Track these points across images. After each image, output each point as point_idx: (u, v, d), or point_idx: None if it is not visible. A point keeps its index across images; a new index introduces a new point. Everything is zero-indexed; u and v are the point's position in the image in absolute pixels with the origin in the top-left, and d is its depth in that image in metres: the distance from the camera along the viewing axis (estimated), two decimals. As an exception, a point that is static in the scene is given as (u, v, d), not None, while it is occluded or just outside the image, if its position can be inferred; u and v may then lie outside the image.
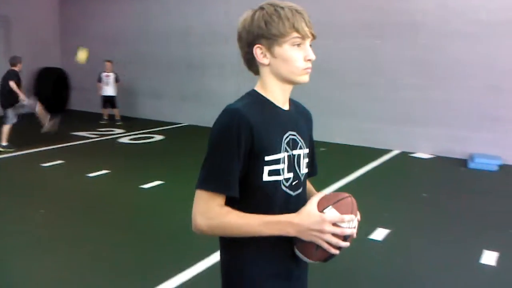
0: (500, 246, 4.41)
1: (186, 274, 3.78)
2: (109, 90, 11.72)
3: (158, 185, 6.29)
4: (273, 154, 1.49)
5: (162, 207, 5.56)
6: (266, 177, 1.48)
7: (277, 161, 1.50)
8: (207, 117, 10.93)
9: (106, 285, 3.70)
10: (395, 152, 8.62)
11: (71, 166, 7.44)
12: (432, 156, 8.35)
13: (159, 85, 12.22)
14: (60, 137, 9.46)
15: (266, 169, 1.48)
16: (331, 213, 1.43)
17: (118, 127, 11.24)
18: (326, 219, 1.40)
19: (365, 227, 4.04)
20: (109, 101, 11.85)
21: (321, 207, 1.44)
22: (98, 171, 6.96)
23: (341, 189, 5.91)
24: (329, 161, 7.17)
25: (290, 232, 1.43)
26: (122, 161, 7.89)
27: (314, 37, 1.52)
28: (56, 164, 7.46)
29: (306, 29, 1.48)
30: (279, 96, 1.57)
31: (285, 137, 1.54)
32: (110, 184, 6.52)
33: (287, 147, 1.54)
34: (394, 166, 7.83)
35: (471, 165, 7.55)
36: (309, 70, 1.53)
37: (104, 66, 11.69)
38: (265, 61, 1.52)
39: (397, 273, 3.95)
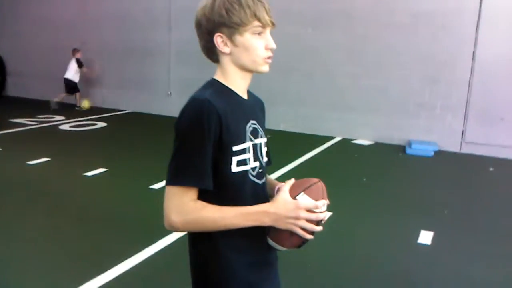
0: (436, 226, 4.68)
1: (129, 262, 3.75)
2: (69, 74, 11.45)
3: (102, 173, 6.18)
4: (240, 144, 1.48)
5: (106, 195, 5.46)
6: (234, 168, 1.47)
7: (243, 151, 1.49)
8: (152, 105, 10.92)
9: (44, 275, 3.62)
10: (337, 139, 8.85)
11: (10, 153, 7.17)
12: (372, 142, 8.64)
13: (100, 71, 11.89)
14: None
15: (234, 159, 1.47)
16: (304, 199, 1.44)
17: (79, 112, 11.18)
18: (301, 206, 1.42)
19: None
20: (66, 85, 11.57)
21: (293, 194, 1.46)
22: (38, 158, 6.75)
23: (284, 176, 6.03)
24: (273, 149, 7.26)
25: (266, 221, 1.43)
26: (64, 149, 7.67)
27: (274, 25, 1.50)
28: (-7, 152, 7.21)
29: (267, 17, 1.47)
30: (240, 85, 1.56)
31: (248, 126, 1.54)
32: (51, 171, 6.34)
33: (251, 136, 1.54)
34: (336, 152, 8.05)
35: (409, 151, 7.89)
36: (270, 60, 1.53)
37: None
38: (226, 50, 1.49)
39: (339, 255, 4.11)
